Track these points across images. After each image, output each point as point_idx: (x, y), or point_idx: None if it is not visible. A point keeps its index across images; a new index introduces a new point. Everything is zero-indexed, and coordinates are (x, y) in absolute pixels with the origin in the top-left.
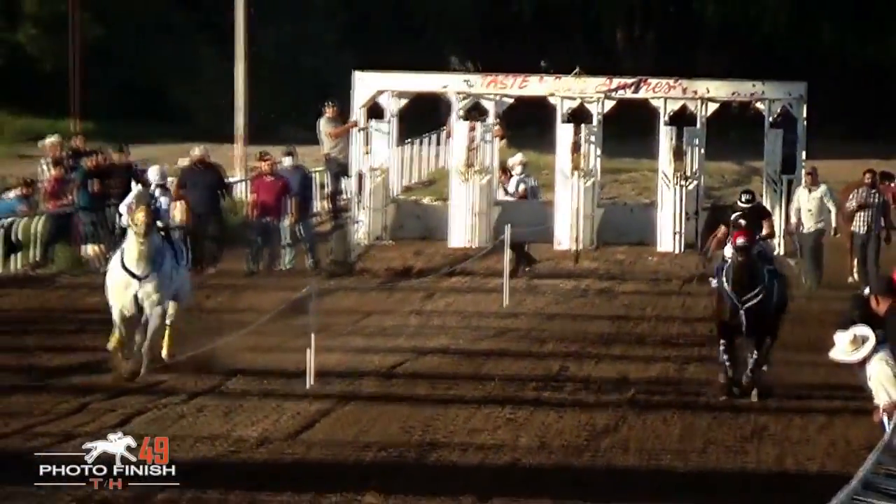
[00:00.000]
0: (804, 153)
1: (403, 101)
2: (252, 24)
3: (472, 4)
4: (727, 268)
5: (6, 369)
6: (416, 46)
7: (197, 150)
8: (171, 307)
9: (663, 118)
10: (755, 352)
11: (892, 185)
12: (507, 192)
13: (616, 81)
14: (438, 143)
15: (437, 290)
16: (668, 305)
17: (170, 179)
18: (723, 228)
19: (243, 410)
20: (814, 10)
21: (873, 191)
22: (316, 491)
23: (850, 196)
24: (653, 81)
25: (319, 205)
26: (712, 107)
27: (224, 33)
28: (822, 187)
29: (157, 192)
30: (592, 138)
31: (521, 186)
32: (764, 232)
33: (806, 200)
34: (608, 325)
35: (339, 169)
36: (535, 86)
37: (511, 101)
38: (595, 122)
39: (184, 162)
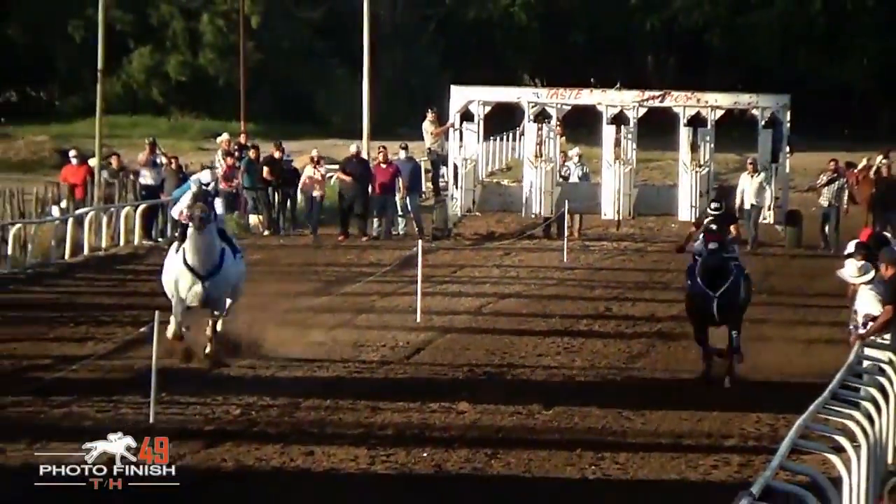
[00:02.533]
0: (788, 148)
1: (488, 108)
2: (374, 50)
3: (539, 36)
4: (698, 267)
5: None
6: (497, 67)
7: (354, 147)
8: (226, 304)
9: (682, 121)
10: (729, 339)
11: (855, 171)
12: (562, 177)
13: (647, 94)
14: (515, 139)
15: (513, 250)
16: (687, 260)
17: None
18: (694, 229)
19: (367, 340)
20: (795, 40)
21: (835, 174)
22: (422, 401)
23: (819, 178)
24: (675, 93)
25: (425, 185)
26: (719, 112)
27: (352, 56)
28: (762, 174)
29: (211, 188)
30: (630, 136)
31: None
32: (732, 235)
33: (748, 184)
34: (642, 276)
35: (439, 159)
36: (586, 97)
37: (569, 107)
38: (631, 124)
39: (314, 151)
